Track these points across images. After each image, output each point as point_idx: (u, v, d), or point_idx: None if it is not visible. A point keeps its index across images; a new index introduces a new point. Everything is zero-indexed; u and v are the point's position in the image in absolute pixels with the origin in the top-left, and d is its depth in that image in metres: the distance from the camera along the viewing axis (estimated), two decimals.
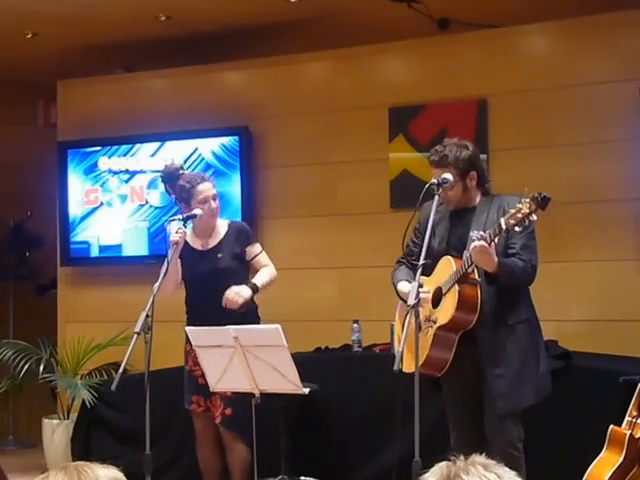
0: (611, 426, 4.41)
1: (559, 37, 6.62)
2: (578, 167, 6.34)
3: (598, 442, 4.41)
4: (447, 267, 4.42)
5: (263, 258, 5.41)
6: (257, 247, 5.41)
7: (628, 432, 4.32)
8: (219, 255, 5.24)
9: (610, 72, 6.32)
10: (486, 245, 4.17)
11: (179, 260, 5.29)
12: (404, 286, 4.54)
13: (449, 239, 4.54)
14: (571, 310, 6.27)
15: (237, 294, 5.14)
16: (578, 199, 6.31)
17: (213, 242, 5.30)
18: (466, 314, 4.34)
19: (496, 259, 4.24)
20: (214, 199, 5.23)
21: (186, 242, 5.31)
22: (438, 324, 4.40)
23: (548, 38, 6.70)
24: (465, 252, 4.34)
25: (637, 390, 4.40)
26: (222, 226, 5.36)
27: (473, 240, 4.21)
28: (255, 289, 5.22)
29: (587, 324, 6.21)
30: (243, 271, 5.34)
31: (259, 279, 5.29)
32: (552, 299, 6.08)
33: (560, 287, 6.16)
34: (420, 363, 4.37)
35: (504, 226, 4.10)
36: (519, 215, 4.03)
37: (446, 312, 4.38)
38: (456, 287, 4.34)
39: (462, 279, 4.32)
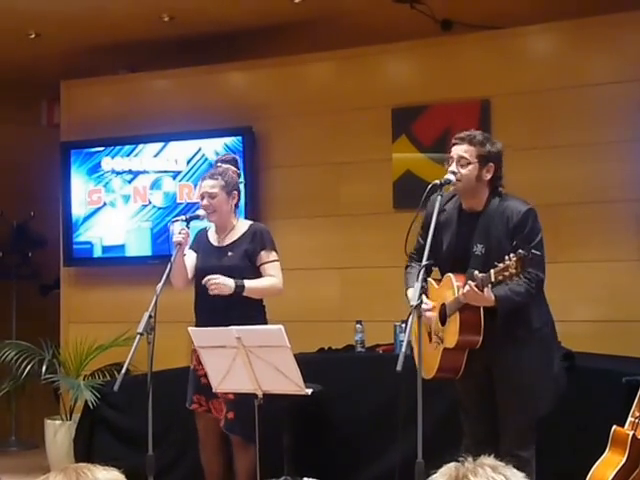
0: (614, 427, 4.40)
1: (562, 38, 6.62)
2: (582, 168, 6.33)
3: (601, 443, 4.41)
4: (450, 285, 4.39)
5: (271, 268, 5.24)
6: (270, 255, 5.25)
7: (631, 433, 4.31)
8: (230, 253, 5.23)
9: (613, 73, 6.31)
10: (475, 290, 4.14)
11: (194, 253, 5.33)
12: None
13: (456, 245, 4.49)
14: (575, 311, 6.26)
15: (218, 283, 5.06)
16: (582, 200, 6.30)
17: (229, 240, 5.28)
18: (470, 337, 4.33)
19: (492, 297, 4.19)
20: (205, 197, 5.24)
21: (207, 236, 5.36)
22: (445, 345, 4.40)
23: (551, 39, 6.70)
24: (469, 270, 4.30)
25: None
26: (242, 226, 5.32)
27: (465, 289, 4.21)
28: (240, 289, 5.08)
29: (591, 325, 6.20)
30: (253, 273, 5.22)
31: (251, 282, 5.14)
32: (556, 299, 6.03)
33: (564, 288, 6.15)
34: (434, 371, 4.40)
35: (493, 279, 4.06)
36: (507, 273, 3.99)
37: (451, 336, 4.36)
38: (457, 313, 4.32)
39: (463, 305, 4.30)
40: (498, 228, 4.38)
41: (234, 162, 5.49)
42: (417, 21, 6.78)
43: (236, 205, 5.35)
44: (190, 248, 5.36)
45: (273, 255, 5.26)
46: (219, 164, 5.42)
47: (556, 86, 6.47)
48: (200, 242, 5.37)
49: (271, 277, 5.23)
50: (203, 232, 5.42)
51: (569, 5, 6.47)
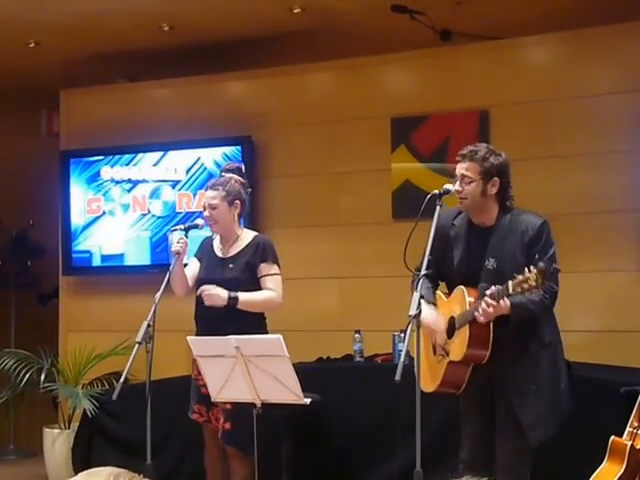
0: (612, 437, 4.40)
1: (561, 48, 6.63)
2: (580, 178, 6.34)
3: (599, 453, 4.40)
4: (460, 299, 4.37)
5: (270, 281, 5.20)
6: (271, 268, 5.21)
7: (629, 443, 4.31)
8: (231, 265, 5.21)
9: (612, 83, 6.32)
10: (490, 312, 4.13)
11: (198, 262, 5.33)
12: (425, 312, 4.37)
13: (467, 260, 4.46)
14: (573, 321, 6.23)
15: (212, 294, 5.05)
16: (580, 210, 6.31)
17: (232, 251, 5.26)
18: (478, 351, 4.30)
19: (508, 304, 4.16)
20: (207, 208, 5.23)
21: (211, 246, 5.34)
22: (450, 358, 4.38)
23: (550, 49, 6.71)
24: (480, 284, 4.29)
25: (638, 401, 4.39)
26: (246, 237, 5.30)
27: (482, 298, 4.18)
28: (234, 300, 5.05)
29: (590, 335, 6.20)
30: (254, 286, 5.19)
31: (246, 295, 5.10)
32: (555, 309, 6.07)
33: (562, 298, 6.10)
34: (436, 384, 4.39)
35: (511, 291, 4.04)
36: (526, 285, 3.96)
37: (458, 349, 4.34)
38: (467, 326, 4.29)
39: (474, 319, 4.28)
40: (512, 242, 4.35)
41: (238, 171, 5.46)
42: (416, 31, 6.79)
43: (240, 215, 5.33)
44: (195, 256, 5.37)
45: (274, 268, 5.22)
46: (223, 173, 5.42)
47: (555, 96, 6.48)
48: (204, 251, 5.36)
49: (269, 291, 5.19)
50: (208, 241, 5.40)
51: (568, 16, 6.49)
